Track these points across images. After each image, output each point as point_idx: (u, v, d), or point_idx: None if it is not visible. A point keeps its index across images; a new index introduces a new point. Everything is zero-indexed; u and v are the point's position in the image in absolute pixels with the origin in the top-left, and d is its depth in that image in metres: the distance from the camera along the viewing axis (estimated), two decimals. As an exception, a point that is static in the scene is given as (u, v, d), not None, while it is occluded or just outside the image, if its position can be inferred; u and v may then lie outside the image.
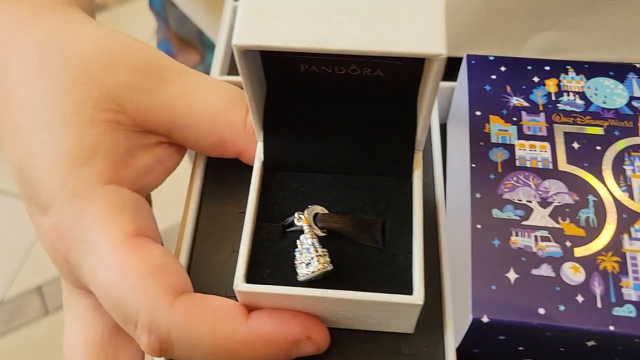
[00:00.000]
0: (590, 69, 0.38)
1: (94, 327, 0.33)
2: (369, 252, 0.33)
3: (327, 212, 0.34)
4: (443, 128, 0.46)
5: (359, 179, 0.35)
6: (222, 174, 0.40)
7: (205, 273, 0.36)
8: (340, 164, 0.35)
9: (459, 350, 0.34)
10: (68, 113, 0.30)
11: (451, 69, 0.43)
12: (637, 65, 0.38)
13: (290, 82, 0.35)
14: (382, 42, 0.27)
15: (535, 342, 0.31)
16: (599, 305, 0.30)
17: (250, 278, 0.32)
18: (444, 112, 0.46)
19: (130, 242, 0.29)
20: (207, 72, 0.45)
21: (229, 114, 0.34)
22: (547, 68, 0.38)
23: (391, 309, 0.31)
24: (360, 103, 0.35)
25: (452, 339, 0.34)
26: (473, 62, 0.38)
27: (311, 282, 0.32)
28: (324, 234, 0.33)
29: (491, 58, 0.38)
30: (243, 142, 0.35)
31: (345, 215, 0.34)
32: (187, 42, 0.66)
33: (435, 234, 0.37)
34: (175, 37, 0.66)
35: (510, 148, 0.35)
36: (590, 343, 0.30)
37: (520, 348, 0.32)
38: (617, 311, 0.30)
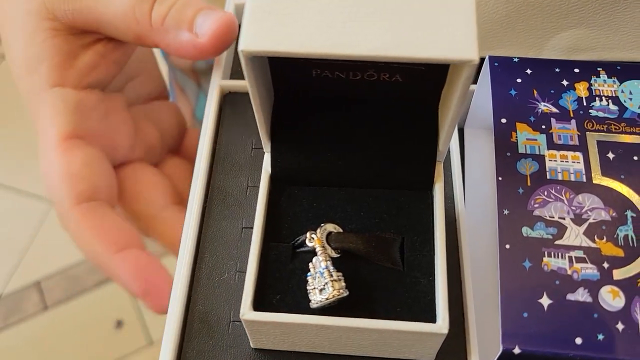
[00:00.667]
0: (623, 71, 0.35)
1: None
2: (387, 274, 0.31)
3: (340, 230, 0.31)
4: (460, 134, 0.43)
5: (376, 193, 0.33)
6: (224, 186, 0.37)
7: (208, 294, 0.33)
8: (355, 177, 0.33)
9: (485, 380, 0.31)
10: (19, 27, 0.35)
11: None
12: (674, 67, 0.35)
13: (301, 89, 0.32)
14: (408, 47, 0.24)
15: (570, 373, 0.29)
16: (642, 334, 0.27)
17: (258, 304, 0.29)
18: (461, 117, 0.43)
19: (61, 146, 0.34)
20: (210, 72, 0.43)
21: (134, 11, 0.34)
22: (576, 70, 0.35)
23: (413, 338, 0.29)
24: (377, 111, 0.32)
25: (477, 368, 0.31)
26: (496, 64, 0.35)
27: (325, 309, 0.29)
28: (338, 255, 0.31)
29: (515, 60, 0.36)
30: (155, 38, 0.35)
31: (361, 234, 0.31)
32: None
33: (455, 252, 0.34)
34: None
35: (540, 159, 0.32)
36: (632, 375, 0.28)
37: (554, 379, 0.30)
38: (662, 341, 0.27)
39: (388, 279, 0.30)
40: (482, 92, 0.37)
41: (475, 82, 0.39)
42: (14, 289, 1.26)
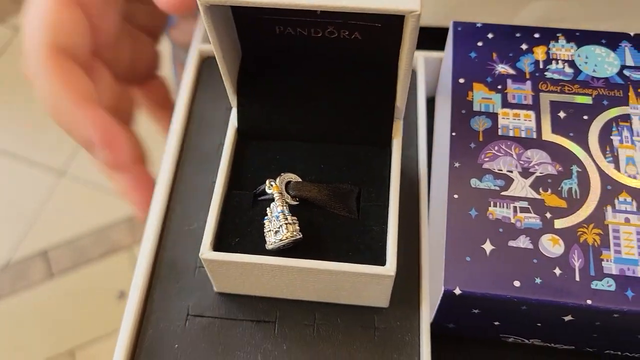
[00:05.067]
0: (582, 37, 0.36)
1: None
2: (343, 222, 0.32)
3: (300, 180, 0.33)
4: (433, 102, 0.44)
5: (337, 148, 0.34)
6: (198, 144, 0.39)
7: (177, 242, 0.35)
8: (317, 132, 0.34)
9: (434, 325, 0.33)
10: None
11: (441, 39, 0.42)
12: (631, 34, 0.36)
13: (267, 46, 0.33)
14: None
15: (511, 316, 0.30)
16: (578, 278, 0.29)
17: (218, 246, 0.31)
18: (433, 85, 0.44)
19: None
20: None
21: None
22: (536, 36, 0.36)
23: (362, 280, 0.30)
24: (339, 69, 0.34)
25: (427, 313, 0.33)
26: (459, 29, 0.37)
27: (281, 251, 0.31)
28: (296, 203, 0.32)
29: (478, 25, 0.37)
30: None
31: (320, 184, 0.33)
32: None
33: (416, 206, 0.36)
34: None
35: (493, 117, 0.33)
36: (568, 318, 0.29)
37: (496, 323, 0.31)
38: (596, 285, 0.28)
39: (343, 226, 0.32)
40: (448, 59, 0.38)
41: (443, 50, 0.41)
42: (22, 257, 1.29)
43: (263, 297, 0.34)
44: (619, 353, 0.33)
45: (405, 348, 0.32)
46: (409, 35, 0.28)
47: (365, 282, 0.30)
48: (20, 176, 1.37)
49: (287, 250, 0.31)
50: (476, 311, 0.30)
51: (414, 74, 0.42)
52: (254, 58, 0.34)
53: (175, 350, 0.32)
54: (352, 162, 0.34)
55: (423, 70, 0.41)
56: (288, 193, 0.32)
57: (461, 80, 0.35)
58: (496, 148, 0.32)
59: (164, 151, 0.38)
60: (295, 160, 0.34)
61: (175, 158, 0.38)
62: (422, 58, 0.42)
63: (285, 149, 0.34)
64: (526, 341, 0.33)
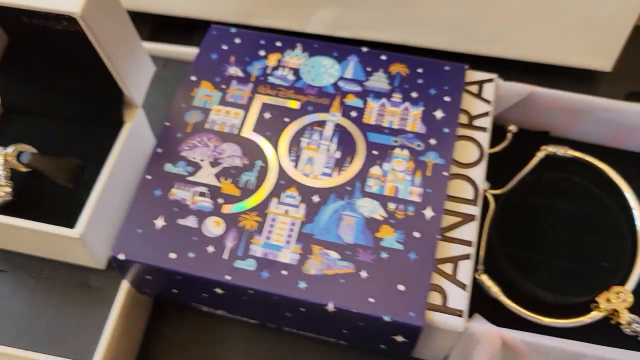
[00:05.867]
0: (317, 49, 0.40)
1: None
2: (62, 191, 0.37)
3: (35, 151, 0.38)
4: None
5: (79, 127, 0.39)
6: None
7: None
8: (62, 112, 0.39)
9: (138, 290, 0.37)
10: None
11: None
12: (363, 50, 0.40)
13: (21, 34, 0.38)
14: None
15: (179, 285, 0.35)
16: (225, 257, 0.33)
17: (-50, 201, 0.37)
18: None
19: None
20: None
21: None
22: (278, 44, 0.40)
23: (57, 240, 0.35)
24: (78, 58, 0.38)
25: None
26: (215, 32, 0.41)
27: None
28: (27, 170, 0.37)
29: (233, 30, 0.41)
30: None
31: (50, 156, 0.38)
32: None
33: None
34: None
35: (207, 112, 0.38)
36: (219, 291, 0.33)
37: (175, 291, 0.36)
38: (239, 264, 0.33)
39: (61, 194, 0.37)
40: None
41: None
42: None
43: (6, 251, 0.39)
44: (295, 330, 0.37)
45: (107, 306, 0.37)
46: (88, 32, 0.32)
47: (63, 242, 0.35)
48: None
49: (5, 209, 0.36)
50: (149, 277, 0.35)
51: (199, 70, 0.46)
52: (13, 43, 0.39)
53: None
54: (88, 140, 0.39)
55: (207, 67, 0.46)
56: (21, 162, 0.37)
57: (193, 78, 0.39)
58: (198, 139, 0.37)
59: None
60: (40, 134, 0.39)
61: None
62: (210, 56, 0.46)
63: (35, 124, 0.39)
64: (217, 312, 0.38)
